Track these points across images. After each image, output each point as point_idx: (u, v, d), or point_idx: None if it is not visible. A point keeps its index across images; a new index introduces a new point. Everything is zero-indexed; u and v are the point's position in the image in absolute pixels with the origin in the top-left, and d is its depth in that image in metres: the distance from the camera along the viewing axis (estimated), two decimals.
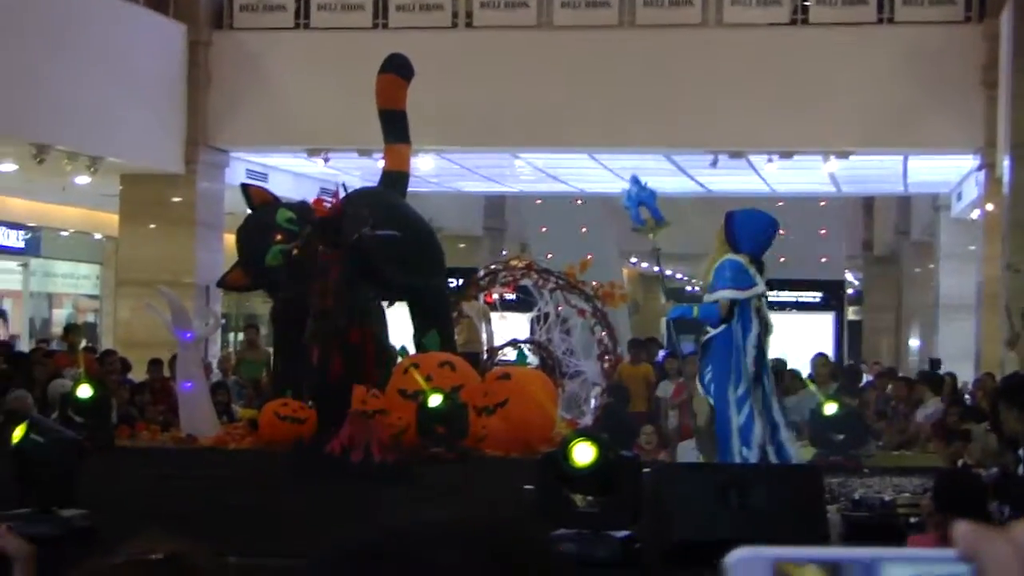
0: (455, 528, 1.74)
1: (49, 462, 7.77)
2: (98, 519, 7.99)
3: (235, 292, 17.67)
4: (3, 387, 16.15)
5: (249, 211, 16.37)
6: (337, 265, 12.77)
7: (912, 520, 8.65)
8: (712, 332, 12.94)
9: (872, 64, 23.22)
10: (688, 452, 14.77)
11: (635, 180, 13.45)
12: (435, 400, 14.12)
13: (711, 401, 12.64)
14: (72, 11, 21.76)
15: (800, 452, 14.21)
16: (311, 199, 16.02)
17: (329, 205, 12.99)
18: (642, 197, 13.20)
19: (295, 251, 14.70)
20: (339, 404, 12.57)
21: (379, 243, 13.77)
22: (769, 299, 28.15)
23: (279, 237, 14.76)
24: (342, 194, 13.22)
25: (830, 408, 14.01)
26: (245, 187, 16.18)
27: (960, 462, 11.11)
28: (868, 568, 1.41)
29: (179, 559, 2.40)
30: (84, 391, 13.76)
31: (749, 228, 13.15)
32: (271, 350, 21.03)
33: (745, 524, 7.60)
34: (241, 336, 22.42)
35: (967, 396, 18.72)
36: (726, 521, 7.60)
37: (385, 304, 16.20)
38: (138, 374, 18.88)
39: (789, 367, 18.79)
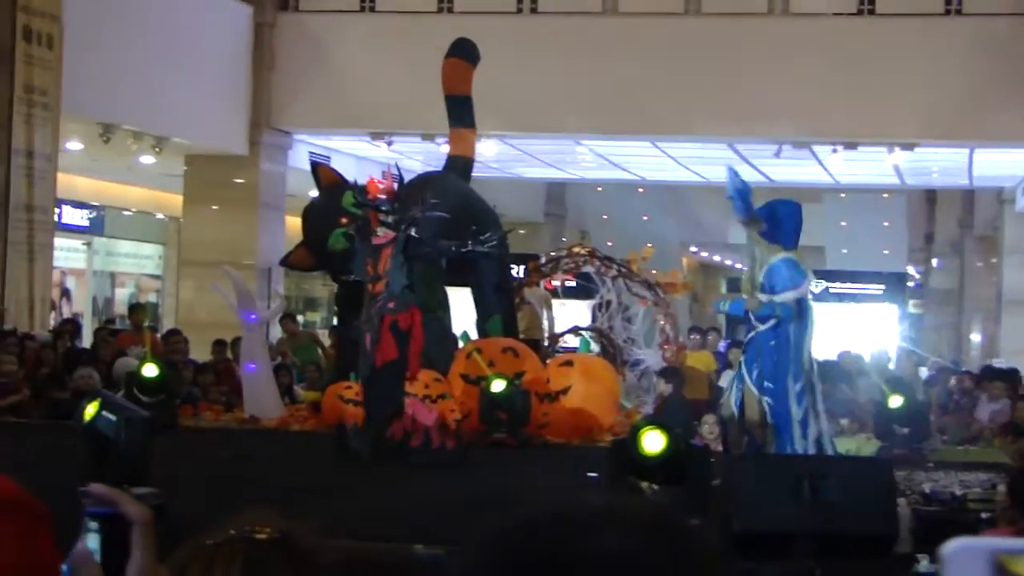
0: (616, 512, 1.72)
1: (121, 440, 7.78)
2: (168, 498, 7.99)
3: (298, 272, 17.67)
4: (70, 365, 16.27)
5: (316, 191, 16.36)
6: (388, 248, 12.73)
7: (983, 516, 8.58)
8: (761, 328, 12.84)
9: (939, 55, 23.06)
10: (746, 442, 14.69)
11: (733, 172, 13.32)
12: (498, 386, 14.11)
13: (756, 393, 12.58)
14: None
15: (864, 445, 14.15)
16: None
17: (382, 186, 12.91)
18: (743, 190, 13.10)
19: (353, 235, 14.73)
20: (388, 389, 12.54)
21: (432, 225, 13.75)
22: (831, 291, 28.21)
23: (344, 220, 14.77)
24: (395, 176, 13.15)
25: (895, 401, 13.92)
26: (315, 166, 16.15)
27: None
28: None
29: (288, 538, 2.37)
30: (150, 370, 13.82)
31: (793, 222, 13.08)
32: (314, 332, 21.06)
33: (816, 516, 7.55)
34: (301, 319, 22.41)
35: None
36: (797, 513, 7.55)
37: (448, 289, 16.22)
38: (198, 354, 18.94)
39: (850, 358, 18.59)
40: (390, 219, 12.80)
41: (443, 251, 14.28)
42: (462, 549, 1.75)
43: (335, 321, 20.14)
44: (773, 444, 12.10)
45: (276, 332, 21.56)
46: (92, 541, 2.30)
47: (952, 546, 1.43)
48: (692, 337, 20.00)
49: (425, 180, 16.69)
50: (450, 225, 14.72)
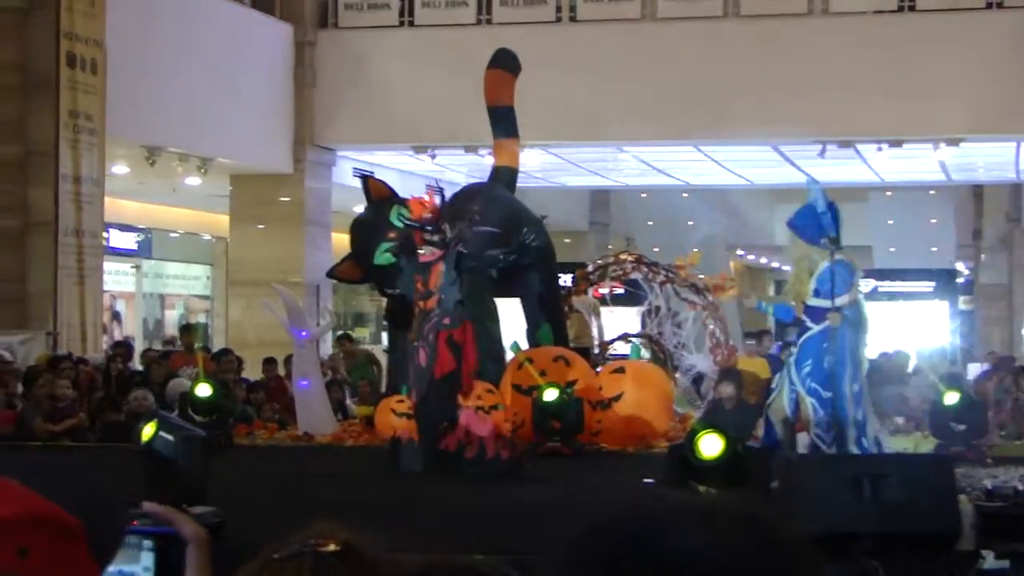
0: (706, 509, 1.70)
1: (179, 460, 7.82)
2: (226, 517, 8.02)
3: (345, 283, 17.70)
4: (123, 388, 16.36)
5: (365, 204, 16.36)
6: (439, 264, 12.75)
7: None
8: (814, 329, 12.77)
9: (981, 49, 22.95)
10: (806, 443, 14.63)
11: (819, 188, 13.25)
12: (550, 395, 14.09)
13: (804, 393, 12.52)
14: (180, 14, 21.95)
15: (921, 442, 14.08)
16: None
17: (427, 204, 12.97)
18: (834, 204, 13.02)
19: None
20: (443, 402, 12.56)
21: (481, 239, 13.77)
22: (880, 289, 28.09)
23: (392, 235, 14.80)
24: (437, 193, 13.18)
25: (951, 398, 13.83)
26: (365, 179, 16.15)
27: None
28: None
29: (354, 550, 2.37)
30: (203, 390, 13.87)
31: (838, 221, 13.02)
32: (370, 351, 21.10)
33: (878, 516, 7.50)
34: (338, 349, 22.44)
35: None
36: (859, 513, 7.51)
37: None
38: (249, 373, 19.01)
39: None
40: (435, 238, 12.82)
41: (490, 262, 14.29)
42: (551, 550, 1.74)
43: (385, 336, 20.17)
44: (833, 446, 12.04)
45: (326, 348, 21.63)
46: (147, 559, 2.31)
47: None
48: (748, 343, 19.95)
49: (472, 192, 16.70)
50: (498, 237, 14.74)
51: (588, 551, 1.70)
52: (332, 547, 2.37)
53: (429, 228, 12.86)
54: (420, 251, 12.90)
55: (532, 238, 16.02)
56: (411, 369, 13.10)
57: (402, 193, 15.52)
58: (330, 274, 17.18)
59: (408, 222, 13.02)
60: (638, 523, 1.69)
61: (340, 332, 23.16)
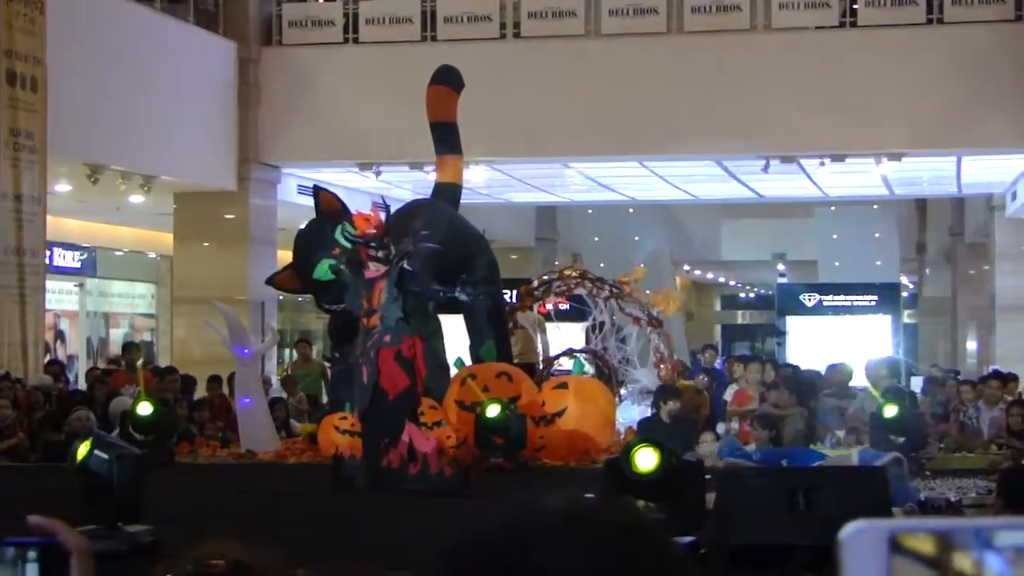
0: (576, 518, 1.63)
1: (114, 478, 7.79)
2: (162, 535, 8.01)
3: (282, 291, 17.64)
4: (65, 407, 16.27)
5: (313, 216, 16.30)
6: (382, 281, 12.74)
7: None
8: None
9: (923, 65, 23.12)
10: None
11: None
12: (493, 411, 14.11)
13: None
14: (123, 31, 21.89)
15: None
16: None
17: (371, 219, 12.94)
18: None
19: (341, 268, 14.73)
20: (391, 419, 12.54)
21: (424, 256, 13.77)
22: (825, 303, 28.23)
23: (335, 251, 14.79)
24: (382, 209, 13.17)
25: (890, 411, 13.92)
26: (317, 190, 16.09)
27: None
28: (979, 535, 1.40)
29: (245, 567, 2.38)
30: (144, 408, 13.83)
31: None
32: (324, 362, 21.06)
33: (811, 527, 7.55)
34: (295, 352, 22.55)
35: None
36: (792, 525, 7.56)
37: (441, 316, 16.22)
38: (195, 391, 18.96)
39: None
40: (380, 254, 12.81)
41: (432, 295, 14.30)
42: (423, 570, 1.70)
43: (330, 352, 20.15)
44: None
45: (271, 366, 21.59)
46: (31, 571, 2.32)
47: (849, 529, 1.45)
48: (707, 353, 20.20)
49: (415, 208, 16.70)
50: (441, 254, 14.74)
51: (453, 569, 1.65)
52: (221, 565, 2.38)
53: (374, 244, 12.84)
54: (366, 267, 12.87)
55: (474, 256, 16.00)
56: (354, 386, 13.07)
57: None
58: (269, 281, 17.14)
59: (353, 238, 12.98)
60: (505, 537, 1.62)
61: (300, 337, 23.11)
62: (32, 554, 2.34)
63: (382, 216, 13.03)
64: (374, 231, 12.81)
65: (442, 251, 14.61)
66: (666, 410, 15.92)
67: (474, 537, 1.64)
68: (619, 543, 1.60)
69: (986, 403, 17.27)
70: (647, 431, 12.47)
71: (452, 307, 16.64)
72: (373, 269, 12.80)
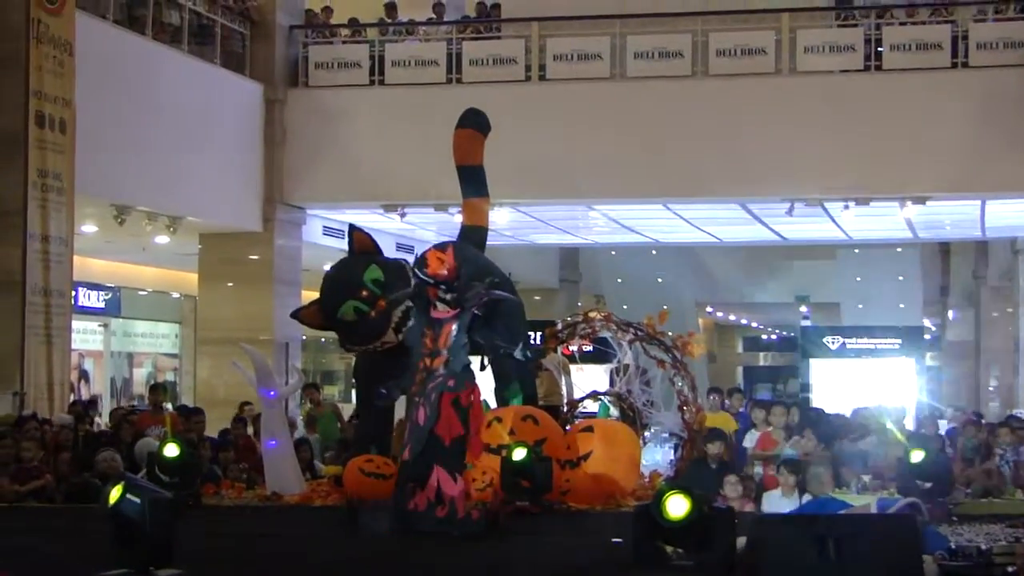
0: None
1: (146, 522, 7.81)
2: None
3: (306, 327, 17.65)
4: (90, 448, 16.30)
5: (345, 256, 16.29)
6: (451, 324, 12.70)
7: (1010, 569, 8.56)
8: None
9: (947, 109, 23.17)
10: (773, 502, 14.67)
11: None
12: (519, 454, 14.05)
13: None
14: (151, 72, 22.02)
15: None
16: (400, 255, 15.96)
17: (444, 260, 12.83)
18: None
19: (374, 313, 14.68)
20: (456, 464, 12.52)
21: (495, 304, 13.75)
22: (848, 346, 28.19)
23: (364, 293, 14.79)
24: (457, 252, 13.08)
25: (917, 456, 13.87)
26: (352, 229, 16.09)
27: None
28: None
29: None
30: (171, 450, 13.81)
31: None
32: (336, 405, 21.05)
33: (842, 575, 7.55)
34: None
35: None
36: (824, 573, 7.55)
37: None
38: (217, 431, 18.98)
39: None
40: (448, 296, 12.76)
41: (493, 350, 14.23)
42: None
43: (354, 393, 20.16)
44: None
45: (294, 407, 21.61)
46: None
47: None
48: (711, 398, 19.97)
49: (457, 250, 16.67)
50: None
51: None
52: None
53: (443, 286, 12.78)
54: (434, 307, 12.82)
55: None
56: (408, 426, 12.99)
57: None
58: (294, 314, 17.16)
59: (423, 276, 12.92)
60: None
61: (307, 382, 23.11)
62: None
63: (455, 259, 12.93)
64: (446, 273, 12.75)
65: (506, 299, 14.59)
66: (713, 454, 15.98)
67: None
68: None
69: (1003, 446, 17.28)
70: (693, 474, 12.42)
71: (477, 349, 16.63)
72: (442, 310, 12.76)
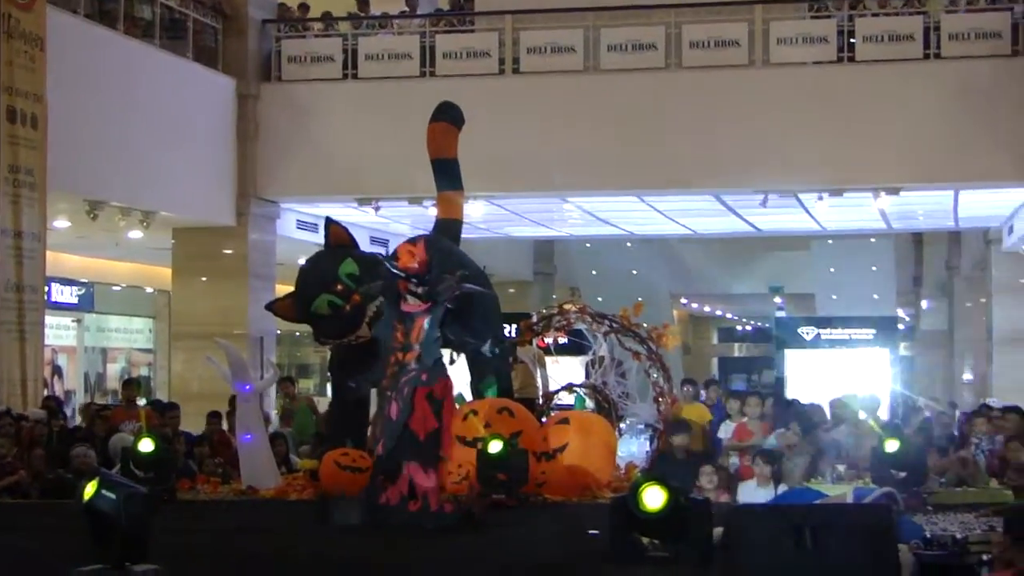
0: None
1: (121, 518, 7.79)
2: (167, 573, 8.00)
3: (280, 319, 17.62)
4: (64, 444, 16.26)
5: (320, 249, 16.27)
6: (423, 318, 12.68)
7: (984, 558, 8.58)
8: None
9: (920, 99, 23.21)
10: (749, 493, 14.70)
11: None
12: (495, 447, 14.06)
13: None
14: (122, 68, 21.95)
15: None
16: (375, 249, 15.97)
17: (416, 253, 12.79)
18: None
19: (348, 307, 14.66)
20: (431, 458, 12.49)
21: (469, 299, 13.74)
22: (822, 337, 28.23)
23: (339, 287, 14.79)
24: (428, 245, 13.05)
25: (891, 445, 13.91)
26: (328, 222, 16.07)
27: None
28: None
29: None
30: (146, 445, 13.79)
31: None
32: (311, 398, 20.99)
33: (818, 565, 7.56)
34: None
35: None
36: (799, 563, 7.56)
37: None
38: (193, 426, 18.93)
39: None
40: (419, 290, 12.73)
41: (462, 346, 14.21)
42: None
43: (329, 386, 20.14)
44: None
45: (270, 401, 21.57)
46: None
47: None
48: (685, 389, 19.96)
49: (428, 244, 16.65)
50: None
51: None
52: None
53: (414, 279, 12.75)
54: (404, 300, 12.78)
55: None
56: (380, 420, 12.95)
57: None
58: (268, 306, 17.14)
59: (394, 270, 12.88)
60: None
61: (282, 376, 23.05)
62: None
63: (426, 253, 12.90)
64: (416, 266, 12.72)
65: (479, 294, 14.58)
66: (678, 445, 15.97)
67: None
68: None
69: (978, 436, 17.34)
70: (661, 467, 12.44)
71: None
72: (413, 303, 12.73)
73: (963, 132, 22.84)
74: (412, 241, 13.26)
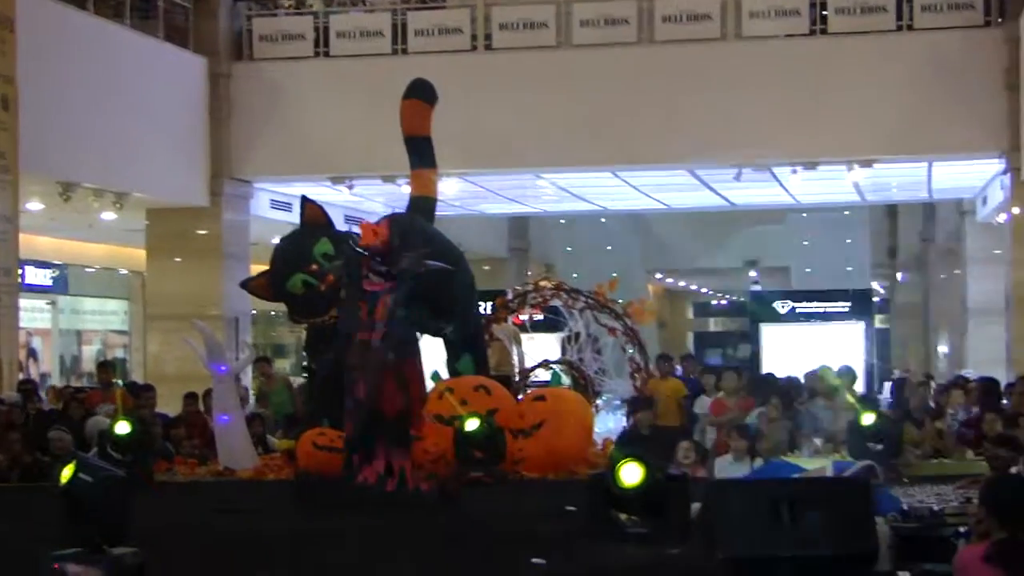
0: None
1: (98, 501, 7.77)
2: (147, 556, 7.99)
3: (255, 297, 17.58)
4: (40, 427, 16.20)
5: (296, 228, 16.24)
6: (387, 297, 12.63)
7: (961, 530, 8.62)
8: None
9: (893, 71, 23.21)
10: (725, 467, 14.73)
11: None
12: (472, 424, 14.06)
13: None
14: (94, 49, 21.84)
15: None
16: (349, 227, 15.92)
17: (379, 232, 12.72)
18: None
19: (323, 286, 14.64)
20: (386, 439, 12.47)
21: (434, 276, 13.69)
22: (797, 310, 28.29)
23: (313, 267, 14.77)
24: (392, 224, 12.98)
25: (868, 418, 13.94)
26: (304, 201, 16.04)
27: (1016, 469, 11.05)
28: None
29: None
30: (122, 427, 13.75)
31: None
32: (289, 378, 20.97)
33: (796, 539, 7.57)
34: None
35: (1004, 401, 18.57)
36: (778, 537, 7.57)
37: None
38: (169, 407, 18.89)
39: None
40: (382, 268, 12.67)
41: (424, 328, 14.18)
42: None
43: (305, 366, 20.13)
44: None
45: (247, 381, 21.52)
46: None
47: None
48: (660, 364, 19.98)
49: (391, 224, 16.63)
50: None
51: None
52: None
53: (378, 258, 12.69)
54: (367, 279, 12.72)
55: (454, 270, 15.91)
56: (347, 401, 12.90)
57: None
58: (243, 284, 17.10)
59: (357, 248, 12.82)
60: None
61: (258, 355, 22.99)
62: None
63: (389, 231, 12.84)
64: (380, 244, 12.66)
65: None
66: (645, 421, 15.94)
67: None
68: None
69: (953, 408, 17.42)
70: (627, 445, 12.46)
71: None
72: (375, 282, 12.67)
73: (936, 104, 22.86)
74: (382, 220, 13.22)
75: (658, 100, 23.66)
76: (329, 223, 15.66)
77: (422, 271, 12.82)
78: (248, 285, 16.95)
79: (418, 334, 13.61)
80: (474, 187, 26.91)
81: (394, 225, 12.95)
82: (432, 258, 13.92)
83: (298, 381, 22.52)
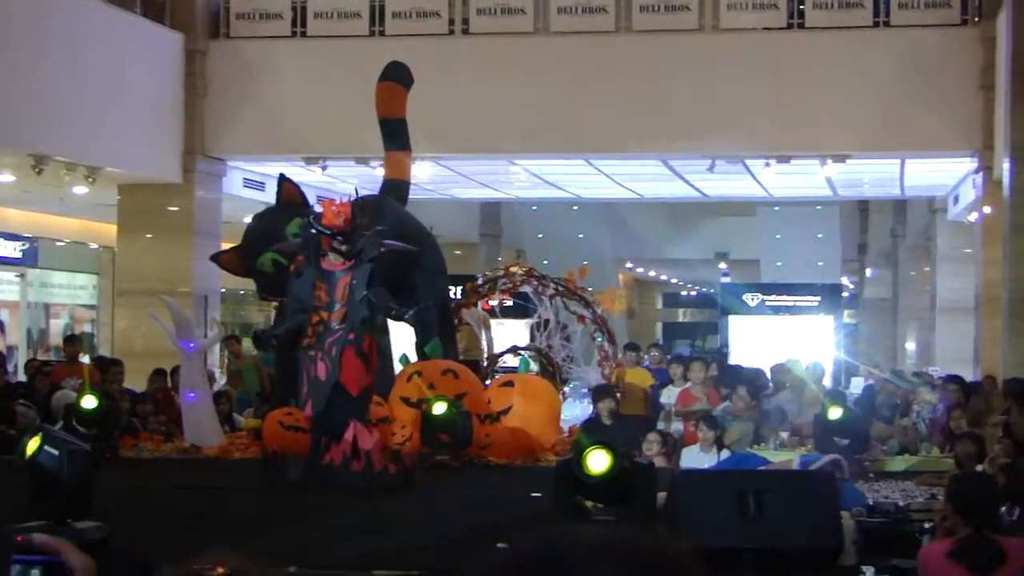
0: (611, 546, 1.70)
1: (64, 474, 7.73)
2: (112, 531, 7.96)
3: (224, 271, 17.52)
4: (6, 400, 16.15)
5: (271, 206, 16.24)
6: (347, 276, 12.62)
7: (926, 526, 8.66)
8: None
9: (869, 67, 23.23)
10: (692, 458, 14.74)
11: None
12: (439, 408, 14.08)
13: None
14: (69, 21, 21.73)
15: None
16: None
17: (341, 212, 12.72)
18: None
19: (292, 267, 14.62)
20: (351, 416, 12.46)
21: (397, 257, 13.68)
22: (767, 303, 28.36)
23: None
24: (353, 204, 12.96)
25: (834, 413, 13.98)
26: (281, 179, 16.01)
27: (981, 467, 11.10)
28: None
29: (243, 574, 2.39)
30: (89, 402, 13.71)
31: None
32: (257, 358, 20.94)
33: (761, 531, 7.59)
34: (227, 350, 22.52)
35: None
36: (742, 528, 7.59)
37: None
38: (137, 384, 18.84)
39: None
40: (343, 248, 12.65)
41: (386, 311, 14.14)
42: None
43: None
44: None
45: (214, 359, 21.49)
46: None
47: None
48: (628, 354, 19.98)
49: (363, 205, 16.63)
50: (390, 252, 14.65)
51: None
52: (221, 572, 2.39)
53: (339, 237, 12.68)
54: (325, 257, 12.71)
55: (422, 252, 15.91)
56: (306, 381, 12.87)
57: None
58: (213, 257, 17.08)
59: (318, 227, 12.81)
60: (540, 562, 1.69)
61: (227, 334, 22.93)
62: (36, 572, 2.34)
63: (351, 211, 12.82)
64: (341, 223, 12.65)
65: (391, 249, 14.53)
66: (605, 410, 15.92)
67: (513, 561, 1.71)
68: (646, 567, 1.67)
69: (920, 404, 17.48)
70: (590, 433, 12.43)
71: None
72: (335, 261, 12.66)
73: (911, 101, 22.90)
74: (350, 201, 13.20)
75: (633, 89, 23.65)
76: (305, 203, 15.65)
77: (381, 251, 12.79)
78: (218, 259, 16.93)
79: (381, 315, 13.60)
80: (447, 171, 26.88)
81: (355, 206, 12.93)
82: (403, 240, 13.94)
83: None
